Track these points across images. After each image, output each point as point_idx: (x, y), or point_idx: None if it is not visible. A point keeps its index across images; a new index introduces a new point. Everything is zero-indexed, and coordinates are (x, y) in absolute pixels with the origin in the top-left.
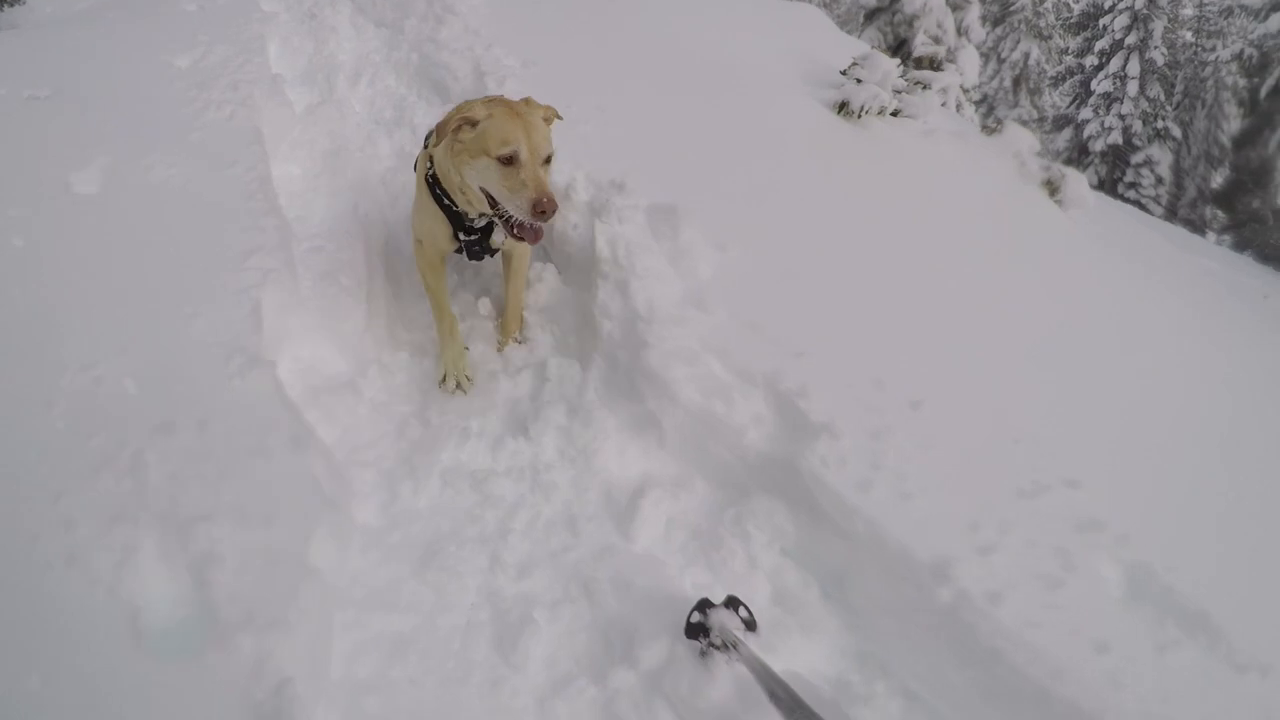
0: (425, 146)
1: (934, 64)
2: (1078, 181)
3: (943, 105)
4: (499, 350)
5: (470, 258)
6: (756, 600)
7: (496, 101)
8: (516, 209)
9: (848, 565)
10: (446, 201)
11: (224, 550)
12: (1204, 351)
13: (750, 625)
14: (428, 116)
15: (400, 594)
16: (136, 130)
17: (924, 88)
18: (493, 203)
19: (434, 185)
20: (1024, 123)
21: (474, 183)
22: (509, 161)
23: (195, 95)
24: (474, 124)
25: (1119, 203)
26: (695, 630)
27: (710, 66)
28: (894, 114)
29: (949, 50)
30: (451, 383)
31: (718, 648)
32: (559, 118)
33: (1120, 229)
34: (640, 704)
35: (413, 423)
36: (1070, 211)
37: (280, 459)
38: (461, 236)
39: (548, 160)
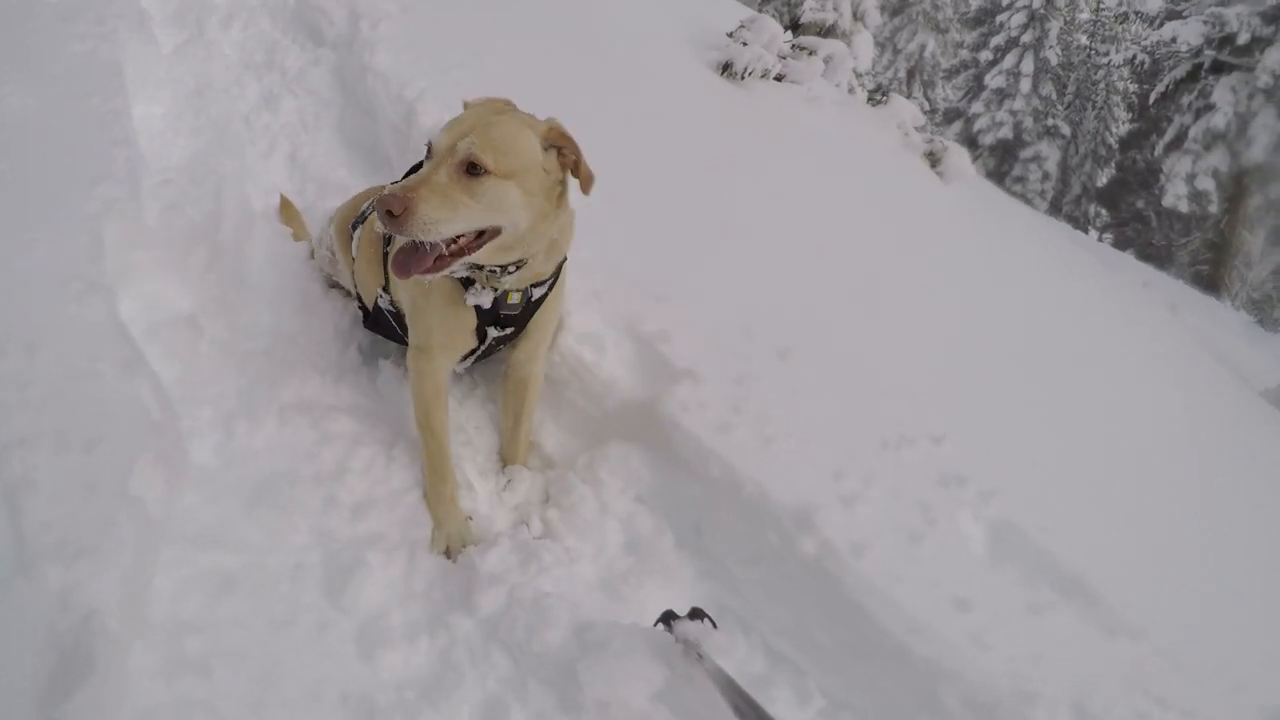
0: None
1: (821, 32)
2: (959, 155)
3: (825, 70)
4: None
5: (481, 358)
6: (608, 548)
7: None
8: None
9: (704, 512)
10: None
11: (39, 477)
12: (1081, 321)
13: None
14: (300, 59)
15: (230, 532)
16: None
17: (810, 53)
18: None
19: None
20: None
21: None
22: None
23: (59, 29)
24: None
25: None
26: None
27: (591, 24)
28: (778, 79)
29: (844, 33)
30: (455, 556)
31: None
32: (564, 141)
33: (1002, 209)
34: (476, 651)
35: (257, 359)
36: (951, 183)
37: (109, 384)
38: (494, 332)
39: (473, 169)
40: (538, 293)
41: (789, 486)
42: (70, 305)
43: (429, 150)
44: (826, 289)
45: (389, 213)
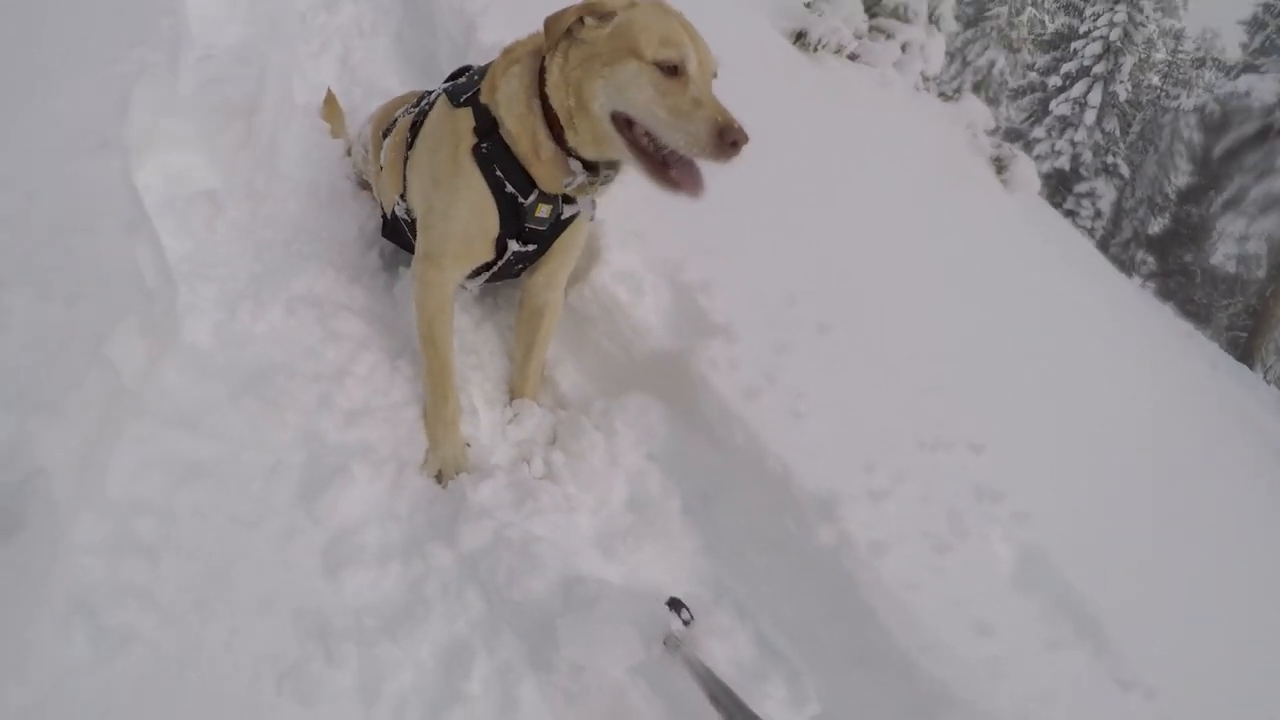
0: (453, 96)
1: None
2: (1027, 165)
3: (899, 60)
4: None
5: (496, 277)
6: (610, 502)
7: None
8: (689, 139)
9: (718, 481)
10: (498, 174)
11: (13, 321)
12: (1134, 357)
13: (686, 623)
14: None
15: (209, 419)
16: None
17: (888, 37)
18: (631, 136)
19: (486, 157)
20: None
21: (604, 105)
22: (673, 72)
23: None
24: (604, 15)
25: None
26: None
27: None
28: (851, 57)
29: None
30: (446, 482)
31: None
32: None
33: (1061, 232)
34: (450, 587)
35: (275, 248)
36: (1015, 193)
37: (106, 240)
38: (515, 246)
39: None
40: (569, 210)
41: (815, 469)
42: (81, 158)
43: (673, 68)
44: (875, 273)
45: (734, 143)
